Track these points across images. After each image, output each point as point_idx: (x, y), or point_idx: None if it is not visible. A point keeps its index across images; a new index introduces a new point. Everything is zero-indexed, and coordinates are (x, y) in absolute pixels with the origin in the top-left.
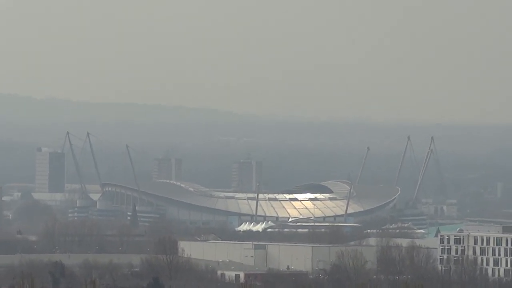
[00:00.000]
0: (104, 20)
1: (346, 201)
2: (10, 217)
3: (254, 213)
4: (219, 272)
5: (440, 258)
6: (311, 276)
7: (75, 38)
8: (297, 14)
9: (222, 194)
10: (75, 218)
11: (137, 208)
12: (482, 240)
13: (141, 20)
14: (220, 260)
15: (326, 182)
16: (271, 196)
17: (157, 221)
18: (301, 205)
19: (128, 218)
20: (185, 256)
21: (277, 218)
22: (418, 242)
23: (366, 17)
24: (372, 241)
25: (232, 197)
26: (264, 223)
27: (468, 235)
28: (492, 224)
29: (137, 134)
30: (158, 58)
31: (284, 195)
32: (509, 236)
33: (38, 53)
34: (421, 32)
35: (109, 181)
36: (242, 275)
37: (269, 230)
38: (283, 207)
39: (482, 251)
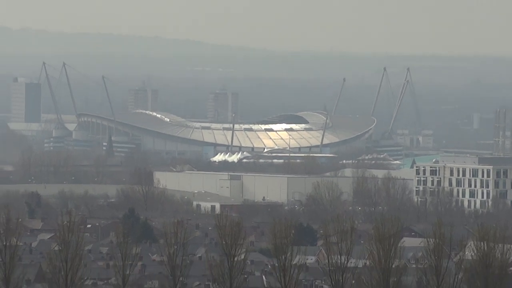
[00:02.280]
0: None
1: (321, 131)
2: None
3: (230, 143)
4: (194, 203)
5: (416, 190)
6: (286, 207)
7: None
8: None
9: (197, 125)
10: (51, 148)
11: (112, 138)
12: (458, 171)
13: None
14: (196, 191)
15: (302, 113)
16: (246, 126)
17: (133, 151)
18: (277, 136)
19: (104, 148)
20: (161, 186)
21: (252, 148)
22: (393, 173)
23: None
24: (347, 172)
25: (208, 128)
26: (240, 153)
27: (444, 166)
28: (468, 155)
29: (113, 65)
30: None
31: (260, 125)
32: (484, 167)
33: None
34: None
35: (85, 111)
36: (217, 206)
37: (244, 160)
38: (259, 137)
39: (458, 183)
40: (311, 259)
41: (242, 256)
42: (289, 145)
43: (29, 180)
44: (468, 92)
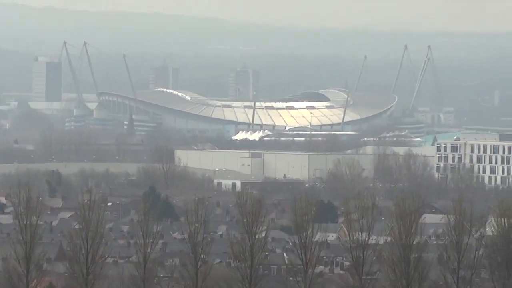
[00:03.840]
0: None
1: (343, 109)
2: (7, 127)
3: (251, 121)
4: (215, 181)
5: (437, 166)
6: (307, 185)
7: None
8: None
9: (219, 103)
10: (72, 127)
11: (133, 117)
12: (479, 148)
13: None
14: (217, 169)
15: (323, 90)
16: (268, 104)
17: (154, 130)
18: (298, 114)
19: (125, 127)
20: (182, 165)
21: (274, 126)
22: (415, 150)
23: None
24: (369, 149)
25: (229, 106)
26: (261, 131)
27: (465, 143)
28: (489, 132)
29: (134, 43)
30: None
31: (281, 103)
32: (506, 144)
33: None
34: None
35: (106, 90)
36: (238, 183)
37: (266, 138)
38: (280, 115)
39: (479, 159)
40: (332, 236)
41: (263, 234)
42: (310, 123)
43: (50, 159)
44: (489, 68)
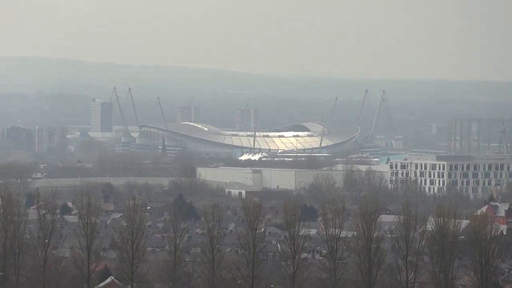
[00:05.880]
0: None
1: (320, 137)
2: (72, 150)
3: (252, 146)
4: (226, 190)
5: (390, 179)
6: (294, 193)
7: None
8: None
9: (228, 133)
10: (120, 150)
11: (166, 143)
12: (421, 166)
13: None
14: (227, 182)
15: (306, 123)
16: (265, 133)
17: (181, 152)
18: (287, 140)
19: (159, 150)
20: (202, 178)
21: (269, 150)
22: (373, 167)
23: None
24: (339, 167)
25: (236, 135)
26: (260, 153)
27: (411, 162)
28: (428, 154)
29: (165, 89)
30: (177, 26)
31: (274, 133)
32: (441, 163)
33: (99, 21)
34: None
35: (145, 123)
36: (243, 192)
37: (263, 159)
38: (274, 142)
39: (421, 174)
40: (313, 231)
41: (262, 229)
42: (296, 147)
43: (104, 174)
44: (429, 107)
